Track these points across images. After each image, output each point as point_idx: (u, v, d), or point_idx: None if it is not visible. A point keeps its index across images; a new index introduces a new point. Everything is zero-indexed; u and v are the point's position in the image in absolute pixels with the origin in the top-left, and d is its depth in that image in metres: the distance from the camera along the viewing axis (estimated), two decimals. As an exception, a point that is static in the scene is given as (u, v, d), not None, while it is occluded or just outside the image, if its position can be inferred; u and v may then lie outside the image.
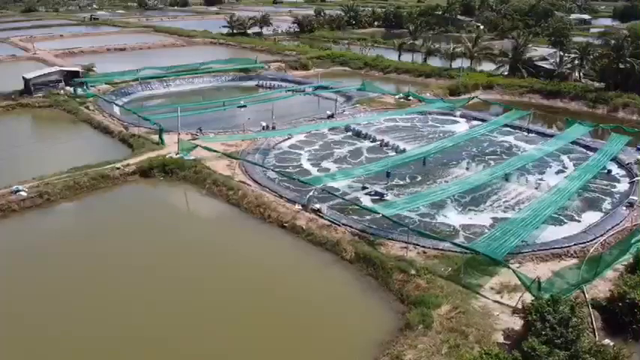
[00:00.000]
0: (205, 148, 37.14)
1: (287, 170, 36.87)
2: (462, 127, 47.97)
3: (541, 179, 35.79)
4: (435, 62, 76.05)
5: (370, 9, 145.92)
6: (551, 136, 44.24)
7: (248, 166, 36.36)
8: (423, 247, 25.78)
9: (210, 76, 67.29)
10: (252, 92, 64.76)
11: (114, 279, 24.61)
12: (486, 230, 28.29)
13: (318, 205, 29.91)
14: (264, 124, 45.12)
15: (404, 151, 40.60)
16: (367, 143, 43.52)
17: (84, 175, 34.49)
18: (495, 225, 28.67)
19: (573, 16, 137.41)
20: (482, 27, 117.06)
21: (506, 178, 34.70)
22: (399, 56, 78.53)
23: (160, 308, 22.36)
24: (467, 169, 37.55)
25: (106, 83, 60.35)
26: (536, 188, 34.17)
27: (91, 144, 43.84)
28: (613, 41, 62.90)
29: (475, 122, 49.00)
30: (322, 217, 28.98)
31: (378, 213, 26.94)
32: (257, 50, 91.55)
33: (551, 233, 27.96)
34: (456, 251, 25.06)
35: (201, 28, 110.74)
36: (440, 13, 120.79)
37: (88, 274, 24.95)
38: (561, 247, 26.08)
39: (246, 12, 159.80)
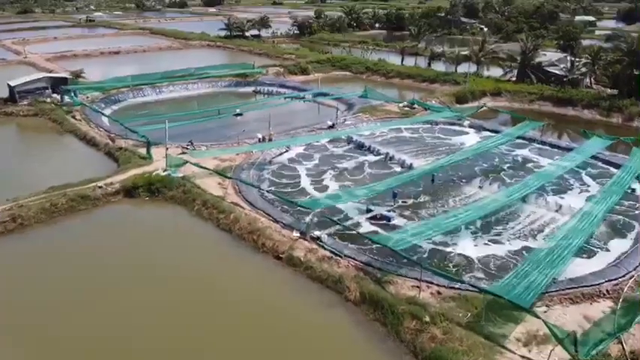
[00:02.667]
0: (195, 164, 33.90)
1: (284, 190, 33.72)
2: (471, 138, 44.77)
3: (561, 198, 32.67)
4: (439, 66, 72.87)
5: (371, 10, 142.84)
6: (568, 149, 41.03)
7: (242, 184, 33.21)
8: (438, 285, 22.62)
9: (205, 82, 64.14)
10: (249, 98, 61.78)
11: (88, 312, 21.53)
12: (506, 262, 25.18)
13: (317, 233, 26.77)
14: (260, 135, 41.95)
15: (410, 166, 37.44)
16: (371, 157, 40.34)
17: (62, 196, 31.33)
18: (516, 257, 25.54)
19: (578, 18, 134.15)
20: (485, 29, 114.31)
21: (524, 199, 31.50)
22: (402, 60, 75.38)
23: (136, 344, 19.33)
24: (480, 187, 34.36)
25: (95, 90, 57.15)
26: (557, 211, 31.01)
27: (75, 158, 40.69)
28: (624, 45, 59.75)
29: (485, 133, 45.84)
30: (322, 247, 25.83)
31: (387, 246, 23.72)
32: (255, 53, 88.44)
33: (578, 266, 24.77)
34: (475, 290, 21.94)
35: (199, 30, 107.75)
36: (443, 14, 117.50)
37: (59, 308, 21.85)
38: (592, 286, 22.96)
39: (245, 13, 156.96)
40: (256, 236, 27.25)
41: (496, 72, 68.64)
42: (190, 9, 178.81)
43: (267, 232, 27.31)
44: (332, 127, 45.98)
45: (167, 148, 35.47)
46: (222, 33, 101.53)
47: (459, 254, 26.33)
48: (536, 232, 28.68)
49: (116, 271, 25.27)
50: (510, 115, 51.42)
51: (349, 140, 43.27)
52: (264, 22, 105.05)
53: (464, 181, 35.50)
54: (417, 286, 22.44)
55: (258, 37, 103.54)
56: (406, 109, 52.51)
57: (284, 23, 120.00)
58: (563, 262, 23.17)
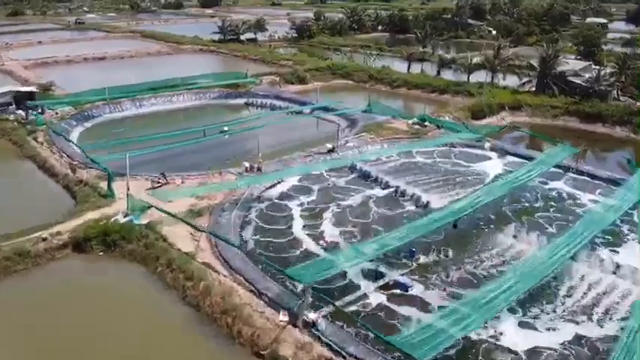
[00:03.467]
0: (161, 210, 27.12)
1: (273, 241, 27.02)
2: (495, 165, 38.02)
3: (615, 253, 25.99)
4: (448, 75, 65.92)
5: (373, 11, 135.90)
6: (612, 181, 34.30)
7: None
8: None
9: (192, 93, 57.31)
10: (240, 111, 55.12)
11: None
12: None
13: (312, 316, 20.06)
14: (247, 164, 35.15)
15: (427, 205, 30.74)
16: (378, 190, 33.62)
17: (-7, 254, 24.64)
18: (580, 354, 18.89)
19: (589, 20, 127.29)
20: (494, 32, 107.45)
21: (573, 256, 24.76)
22: (409, 67, 68.43)
23: None
24: (514, 236, 27.63)
25: (67, 104, 50.40)
26: (615, 273, 24.30)
27: (28, 193, 33.88)
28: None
29: (510, 158, 39.09)
30: (319, 338, 19.12)
31: (407, 353, 16.95)
32: (250, 59, 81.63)
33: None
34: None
35: (193, 33, 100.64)
36: (449, 16, 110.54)
37: None
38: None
39: (242, 15, 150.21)
40: (231, 319, 20.52)
41: (512, 81, 61.86)
42: (186, 10, 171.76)
43: (246, 313, 20.57)
44: (332, 150, 39.22)
45: (128, 188, 28.63)
46: (216, 37, 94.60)
47: (499, 346, 19.61)
48: (592, 308, 21.96)
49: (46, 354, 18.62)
50: (542, 138, 43.98)
51: (352, 168, 36.55)
52: (260, 25, 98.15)
53: (492, 227, 28.75)
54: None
55: (254, 40, 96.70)
56: (416, 127, 45.70)
57: (282, 25, 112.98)
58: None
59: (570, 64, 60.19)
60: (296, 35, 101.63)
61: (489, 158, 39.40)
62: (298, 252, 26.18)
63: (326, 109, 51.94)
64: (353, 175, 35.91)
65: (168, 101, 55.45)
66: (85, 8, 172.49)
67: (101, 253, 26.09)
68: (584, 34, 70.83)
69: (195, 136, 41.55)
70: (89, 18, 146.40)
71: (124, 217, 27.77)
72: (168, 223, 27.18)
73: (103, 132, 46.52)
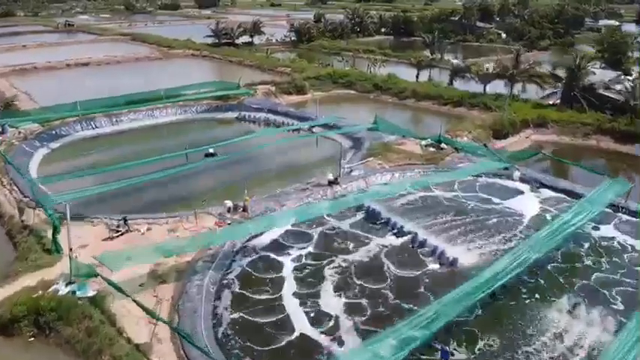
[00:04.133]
0: (109, 282, 20.51)
1: (256, 322, 20.54)
2: (529, 201, 31.50)
3: None
4: (461, 84, 59.13)
5: (375, 12, 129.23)
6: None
7: (184, 313, 20.10)
8: None
9: (177, 107, 50.78)
10: (231, 125, 48.78)
11: None
12: None
13: None
14: (229, 204, 28.64)
15: (454, 263, 24.26)
16: (390, 238, 27.12)
17: None
18: None
19: (601, 22, 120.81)
20: (504, 35, 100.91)
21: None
22: (418, 76, 61.75)
23: None
24: (570, 311, 21.14)
25: (34, 122, 43.91)
26: None
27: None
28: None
29: (546, 192, 32.58)
30: None
31: None
32: (245, 65, 75.18)
33: None
34: None
35: (187, 35, 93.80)
36: (456, 19, 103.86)
37: None
38: None
39: (241, 16, 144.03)
40: None
41: (532, 91, 55.25)
42: (182, 11, 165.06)
43: None
44: (334, 182, 32.72)
45: (71, 249, 22.01)
46: (210, 40, 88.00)
47: None
48: None
49: None
50: (581, 167, 37.09)
51: (359, 208, 30.04)
52: (256, 28, 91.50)
53: (537, 297, 22.22)
54: None
55: (250, 44, 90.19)
56: (431, 149, 39.18)
57: (281, 27, 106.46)
58: None
59: (597, 74, 53.52)
60: (295, 38, 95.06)
61: (521, 192, 32.80)
62: (292, 337, 19.75)
63: (327, 126, 45.61)
64: (359, 216, 29.39)
65: (149, 116, 48.94)
66: (77, 9, 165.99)
67: (32, 339, 19.63)
68: (610, 41, 63.98)
69: (176, 162, 35.07)
70: (82, 19, 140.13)
71: (67, 285, 21.30)
72: (120, 295, 20.68)
73: (71, 154, 40.26)
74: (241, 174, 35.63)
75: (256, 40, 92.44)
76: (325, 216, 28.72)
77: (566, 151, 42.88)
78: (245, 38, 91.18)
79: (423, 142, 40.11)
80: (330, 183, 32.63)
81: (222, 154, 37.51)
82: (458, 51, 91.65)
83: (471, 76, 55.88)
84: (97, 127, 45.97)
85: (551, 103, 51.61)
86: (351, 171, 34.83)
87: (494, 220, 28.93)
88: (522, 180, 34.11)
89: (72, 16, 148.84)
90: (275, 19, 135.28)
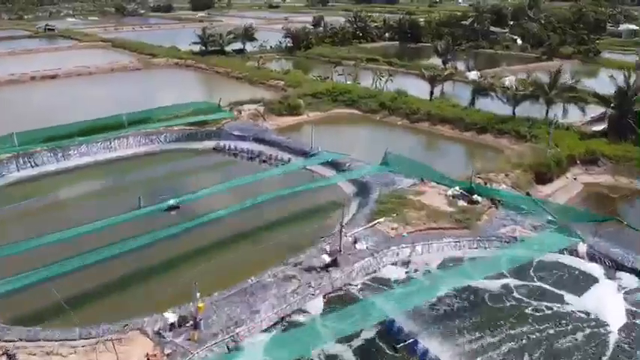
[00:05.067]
0: None
1: None
2: (610, 297, 21.69)
3: None
4: (484, 104, 49.07)
5: (378, 14, 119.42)
6: None
7: None
8: None
9: (142, 136, 41.02)
10: (207, 157, 39.13)
11: None
12: None
13: None
14: (172, 317, 18.79)
15: None
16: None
17: None
18: None
19: (622, 27, 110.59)
20: (519, 41, 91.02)
21: None
22: (432, 94, 51.74)
23: None
24: None
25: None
26: None
27: None
28: None
29: (627, 278, 22.79)
30: None
31: None
32: (233, 77, 65.51)
33: None
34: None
35: (177, 40, 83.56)
36: (467, 23, 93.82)
37: None
38: None
39: (236, 19, 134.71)
40: None
41: (571, 114, 45.34)
42: (175, 14, 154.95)
43: None
44: (333, 263, 22.97)
45: None
46: (197, 47, 78.04)
47: None
48: None
49: None
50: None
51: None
52: (248, 35, 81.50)
53: None
54: None
55: (241, 52, 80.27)
56: (461, 202, 29.34)
57: (278, 32, 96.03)
58: None
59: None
60: (291, 45, 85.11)
61: (595, 280, 22.95)
62: None
63: (327, 163, 35.94)
64: (371, 332, 19.56)
65: (106, 149, 39.20)
66: (69, 12, 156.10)
67: None
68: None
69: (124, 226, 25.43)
70: (69, 23, 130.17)
71: None
72: None
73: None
74: (206, 240, 25.96)
75: (249, 47, 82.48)
76: (318, 315, 19.05)
77: (628, 198, 33.17)
78: (236, 45, 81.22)
79: (450, 192, 30.29)
80: (327, 266, 22.88)
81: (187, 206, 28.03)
82: (470, 58, 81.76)
83: (498, 97, 45.89)
84: (38, 164, 36.25)
85: (597, 129, 41.76)
86: (355, 241, 25.01)
87: (568, 340, 19.07)
88: (592, 258, 24.30)
89: (60, 19, 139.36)
90: (272, 23, 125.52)
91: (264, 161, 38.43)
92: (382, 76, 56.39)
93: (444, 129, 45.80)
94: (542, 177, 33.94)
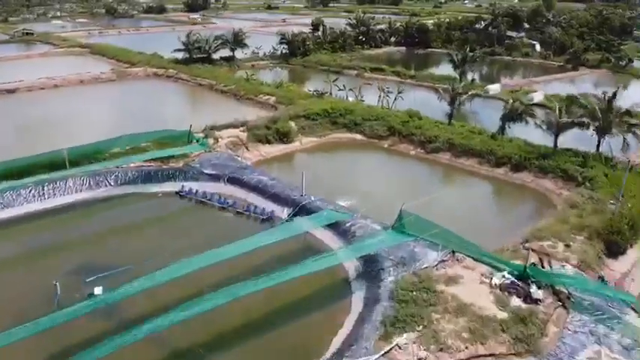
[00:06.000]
0: None
1: None
2: None
3: None
4: (516, 129, 39.35)
5: (382, 16, 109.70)
6: None
7: None
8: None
9: (89, 177, 31.56)
10: (166, 210, 29.75)
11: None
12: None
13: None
14: None
15: None
16: None
17: None
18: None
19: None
20: (538, 47, 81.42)
21: None
22: (451, 116, 42.14)
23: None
24: None
25: None
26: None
27: None
28: None
29: None
30: None
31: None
32: (217, 91, 56.15)
33: None
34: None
35: (162, 45, 73.13)
36: (481, 27, 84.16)
37: None
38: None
39: (233, 21, 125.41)
40: None
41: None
42: (167, 15, 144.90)
43: None
44: None
45: None
46: (180, 55, 68.46)
47: None
48: None
49: None
50: None
51: None
52: (238, 40, 71.86)
53: None
54: None
55: (231, 60, 70.71)
56: (515, 301, 19.88)
57: (274, 36, 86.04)
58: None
59: None
60: (287, 51, 75.56)
61: None
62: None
63: (317, 220, 26.53)
64: None
65: (40, 196, 29.79)
66: (56, 14, 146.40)
67: None
68: None
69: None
70: (54, 25, 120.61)
71: None
72: None
73: None
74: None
75: (239, 53, 72.88)
76: None
77: None
78: (225, 52, 71.61)
79: (496, 280, 20.85)
80: None
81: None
82: (482, 64, 72.09)
83: (538, 124, 36.32)
84: (-64, 222, 26.99)
85: (668, 169, 32.32)
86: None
87: None
88: None
89: (47, 21, 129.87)
90: (269, 25, 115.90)
91: (240, 213, 29.16)
92: (390, 93, 46.79)
93: (468, 163, 36.38)
94: (612, 244, 24.53)
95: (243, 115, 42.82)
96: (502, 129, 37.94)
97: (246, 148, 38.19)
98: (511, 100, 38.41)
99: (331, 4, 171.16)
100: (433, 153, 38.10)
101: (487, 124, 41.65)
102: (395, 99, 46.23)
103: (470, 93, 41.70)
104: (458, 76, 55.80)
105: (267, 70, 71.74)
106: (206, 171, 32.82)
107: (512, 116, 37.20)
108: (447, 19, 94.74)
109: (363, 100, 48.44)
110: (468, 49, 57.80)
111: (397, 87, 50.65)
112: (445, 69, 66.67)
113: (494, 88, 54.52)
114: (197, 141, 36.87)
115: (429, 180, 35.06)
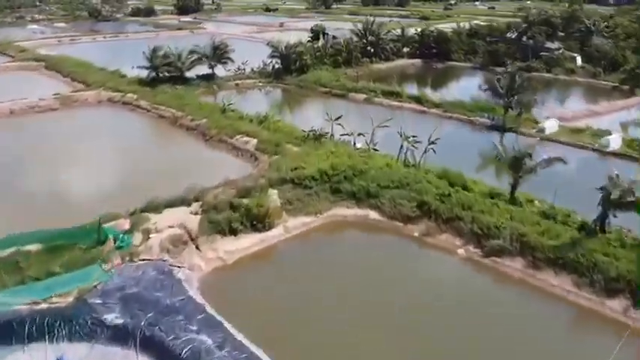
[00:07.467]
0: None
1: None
2: None
3: None
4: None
5: (389, 19, 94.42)
6: None
7: None
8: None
9: None
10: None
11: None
12: None
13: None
14: None
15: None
16: None
17: None
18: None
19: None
20: (579, 61, 66.17)
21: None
22: (514, 189, 26.87)
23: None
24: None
25: None
26: None
27: None
28: None
29: None
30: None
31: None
32: (182, 127, 41.33)
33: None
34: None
35: (137, 55, 56.91)
36: (513, 36, 68.80)
37: None
38: None
39: (226, 25, 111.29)
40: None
41: None
42: (154, 19, 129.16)
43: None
44: None
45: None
46: (145, 73, 53.50)
47: None
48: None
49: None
50: None
51: None
52: (219, 55, 56.62)
53: None
54: None
55: (210, 78, 55.71)
56: None
57: (269, 47, 70.67)
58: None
59: None
60: (280, 65, 60.41)
61: None
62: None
63: None
64: None
65: None
66: (35, 16, 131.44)
67: None
68: None
69: None
70: (28, 31, 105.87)
71: None
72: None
73: None
74: None
75: (220, 70, 57.67)
76: None
77: None
78: (203, 68, 56.56)
79: None
80: None
81: None
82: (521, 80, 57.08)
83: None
84: None
85: None
86: None
87: None
88: None
89: (22, 26, 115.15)
90: (265, 30, 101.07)
91: None
92: (416, 143, 31.60)
93: (557, 283, 21.44)
94: None
95: (209, 175, 28.28)
96: (602, 223, 22.81)
97: (197, 247, 23.43)
98: (615, 173, 23.21)
99: (334, 6, 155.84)
100: (494, 256, 23.20)
101: (548, 189, 26.39)
102: (425, 151, 31.10)
103: (548, 157, 26.26)
104: (502, 108, 40.89)
105: (256, 91, 57.05)
106: (106, 318, 18.03)
107: (620, 204, 22.10)
108: (467, 24, 79.29)
109: (377, 149, 33.41)
110: (516, 69, 42.67)
111: (420, 122, 35.71)
112: (469, 85, 53.04)
113: (550, 126, 39.60)
114: (115, 240, 22.17)
115: (499, 322, 20.06)
